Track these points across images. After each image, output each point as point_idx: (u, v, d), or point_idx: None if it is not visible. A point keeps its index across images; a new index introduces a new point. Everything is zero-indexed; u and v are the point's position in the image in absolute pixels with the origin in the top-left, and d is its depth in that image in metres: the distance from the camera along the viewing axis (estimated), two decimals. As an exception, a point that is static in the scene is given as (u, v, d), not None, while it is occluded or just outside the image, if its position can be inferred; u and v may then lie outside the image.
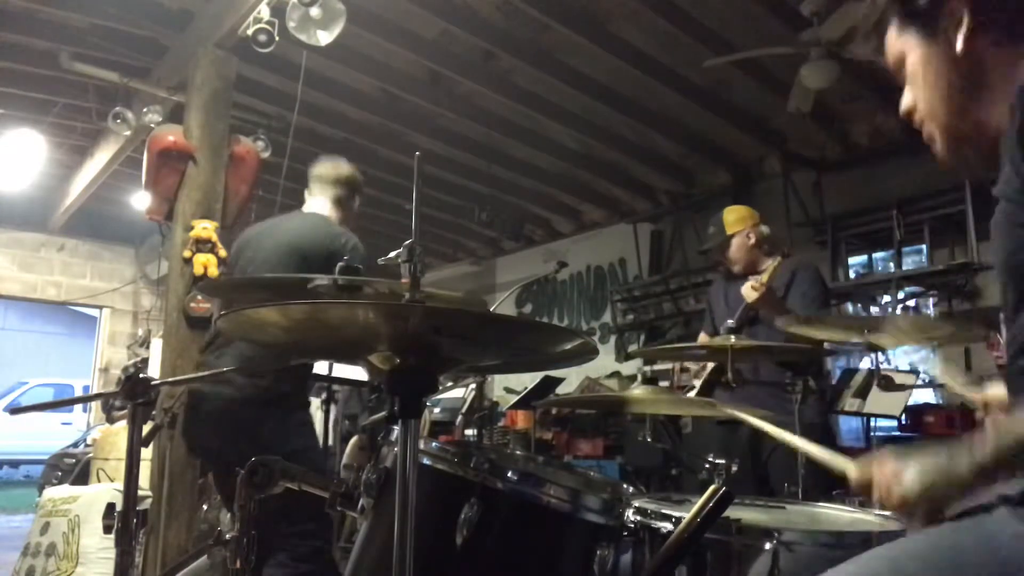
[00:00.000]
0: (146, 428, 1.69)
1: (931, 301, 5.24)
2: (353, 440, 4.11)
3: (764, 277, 2.69)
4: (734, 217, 3.12)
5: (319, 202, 2.62)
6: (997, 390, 1.20)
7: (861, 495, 1.00)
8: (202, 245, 3.98)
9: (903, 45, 1.03)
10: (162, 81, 4.94)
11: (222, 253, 4.00)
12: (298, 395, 2.39)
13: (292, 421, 2.33)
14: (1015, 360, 0.91)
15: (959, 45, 0.94)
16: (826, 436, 3.07)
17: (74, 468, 6.51)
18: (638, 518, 1.31)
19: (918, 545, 0.91)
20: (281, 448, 2.18)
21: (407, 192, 1.26)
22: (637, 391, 1.80)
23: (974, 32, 0.94)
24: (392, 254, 1.17)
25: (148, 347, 7.70)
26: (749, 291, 2.69)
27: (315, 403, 3.66)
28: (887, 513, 1.42)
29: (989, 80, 0.95)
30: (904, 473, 0.91)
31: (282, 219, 2.67)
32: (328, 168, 2.65)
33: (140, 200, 6.00)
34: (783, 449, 2.70)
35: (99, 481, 4.83)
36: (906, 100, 1.05)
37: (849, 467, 1.05)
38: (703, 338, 3.13)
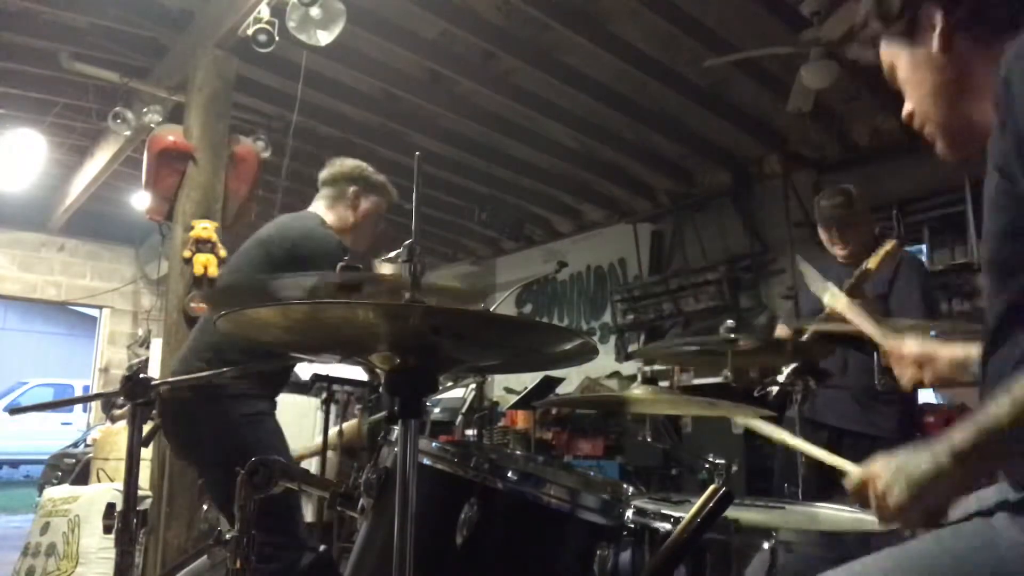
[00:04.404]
0: (146, 428, 1.69)
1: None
2: (352, 422, 4.04)
3: (872, 262, 2.29)
4: (866, 205, 2.76)
5: (315, 204, 2.59)
6: (911, 344, 1.26)
7: (859, 503, 1.00)
8: (202, 245, 3.99)
9: (892, 56, 1.07)
10: (162, 81, 4.94)
11: (222, 253, 4.00)
12: (238, 386, 2.24)
13: (232, 416, 2.21)
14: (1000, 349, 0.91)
15: (935, 45, 0.98)
16: None
17: (74, 468, 6.50)
18: (638, 518, 1.31)
19: (919, 549, 0.91)
20: (225, 442, 2.14)
21: (407, 192, 1.27)
22: (637, 391, 1.80)
23: (953, 32, 0.97)
24: (392, 254, 1.18)
25: (148, 347, 7.70)
26: (832, 300, 2.37)
27: (315, 403, 3.65)
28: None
29: (975, 79, 0.97)
30: (892, 482, 0.91)
31: (282, 217, 2.62)
32: (324, 171, 2.61)
33: (140, 200, 6.01)
34: (861, 457, 2.59)
35: (99, 481, 4.83)
36: (906, 107, 1.09)
37: (849, 471, 1.06)
38: (781, 330, 2.81)
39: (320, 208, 2.56)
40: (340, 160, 2.64)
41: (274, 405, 2.43)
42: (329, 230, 2.45)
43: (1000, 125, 0.84)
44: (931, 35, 0.99)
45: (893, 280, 2.62)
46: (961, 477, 0.86)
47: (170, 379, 2.23)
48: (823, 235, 2.79)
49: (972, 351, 1.21)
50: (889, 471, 0.92)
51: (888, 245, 2.33)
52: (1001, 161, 0.85)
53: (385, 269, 2.25)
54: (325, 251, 2.32)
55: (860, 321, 1.68)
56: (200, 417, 2.21)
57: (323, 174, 2.60)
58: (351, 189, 2.56)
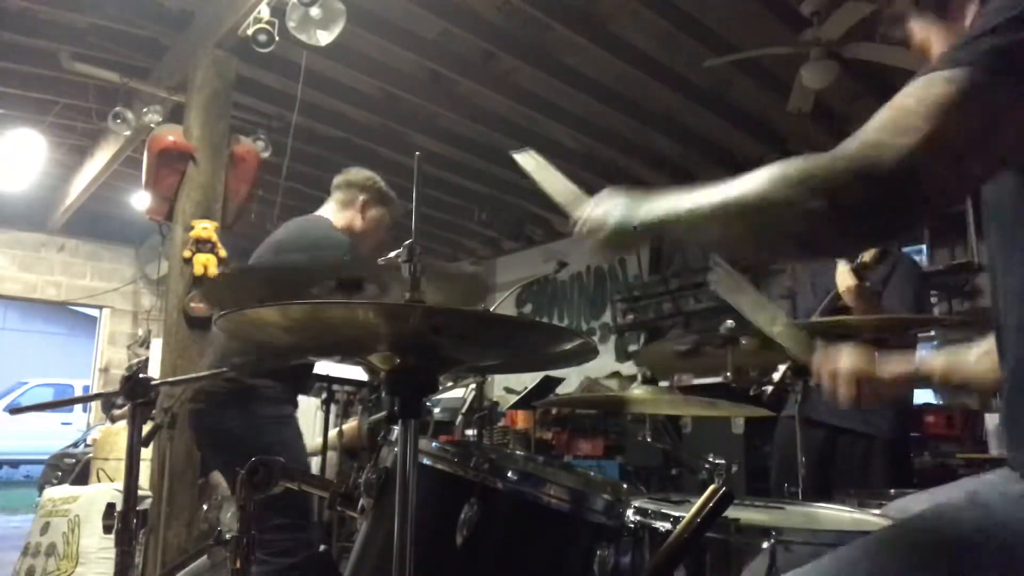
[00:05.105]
0: (146, 428, 1.69)
1: (932, 301, 5.25)
2: (352, 423, 4.05)
3: (867, 255, 2.35)
4: None
5: (327, 207, 2.69)
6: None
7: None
8: (202, 245, 3.99)
9: (924, 32, 1.05)
10: (162, 81, 4.94)
11: (222, 253, 4.00)
12: (268, 389, 2.35)
13: (260, 416, 2.31)
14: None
15: (970, 21, 0.95)
16: (903, 461, 2.78)
17: (74, 468, 6.51)
18: (638, 518, 1.31)
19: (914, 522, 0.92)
20: (247, 444, 2.18)
21: (407, 192, 1.27)
22: (637, 391, 1.80)
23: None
24: (392, 254, 1.18)
25: (148, 347, 7.71)
26: (846, 277, 2.39)
27: (315, 403, 3.65)
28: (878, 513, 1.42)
29: None
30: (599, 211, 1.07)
31: (295, 220, 2.72)
32: (338, 176, 2.73)
33: (140, 200, 6.01)
34: (856, 456, 2.63)
35: (99, 481, 4.83)
36: None
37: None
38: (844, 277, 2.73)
39: (330, 210, 2.65)
40: (356, 169, 2.76)
41: (296, 407, 2.53)
42: (339, 233, 2.54)
43: None
44: (964, 11, 0.97)
45: (887, 279, 2.64)
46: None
47: (170, 379, 2.24)
48: None
49: (924, 358, 1.21)
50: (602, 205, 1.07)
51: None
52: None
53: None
54: (335, 252, 2.41)
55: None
56: (230, 415, 2.30)
57: (337, 179, 2.72)
58: (361, 197, 2.67)
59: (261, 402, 2.32)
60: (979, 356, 1.12)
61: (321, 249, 2.42)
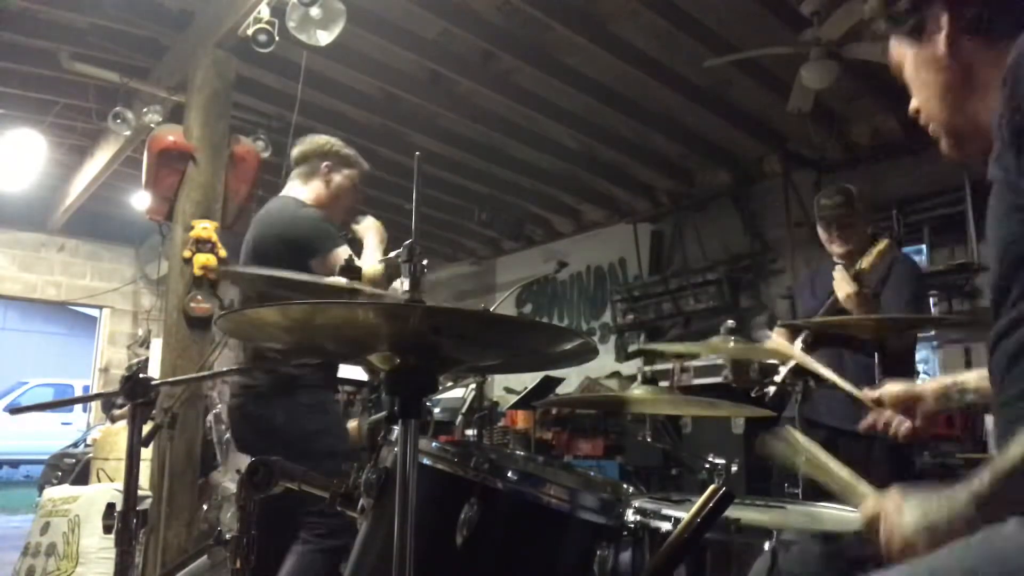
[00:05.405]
0: (146, 428, 1.69)
1: (931, 301, 5.25)
2: (352, 423, 4.06)
3: (865, 262, 2.40)
4: (865, 205, 2.81)
5: (291, 184, 2.60)
6: (891, 388, 1.25)
7: (869, 531, 0.99)
8: (202, 245, 3.99)
9: (899, 54, 1.07)
10: (162, 81, 4.94)
11: (222, 253, 4.00)
12: (308, 377, 2.36)
13: (301, 404, 2.33)
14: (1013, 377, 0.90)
15: (941, 48, 0.99)
16: (903, 461, 2.74)
17: (74, 468, 6.50)
18: (638, 518, 1.31)
19: (931, 566, 0.91)
20: (292, 433, 2.26)
21: (407, 192, 1.27)
22: (637, 391, 1.80)
23: (958, 34, 0.97)
24: (392, 254, 1.18)
25: (148, 347, 7.70)
26: (844, 284, 2.41)
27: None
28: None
29: (980, 79, 0.97)
30: (907, 522, 0.91)
31: (261, 211, 2.64)
32: (295, 149, 2.63)
33: (140, 200, 6.00)
34: (856, 456, 2.64)
35: (99, 481, 4.83)
36: (912, 103, 1.10)
37: (864, 494, 1.06)
38: (778, 334, 2.76)
39: (295, 187, 2.58)
40: (310, 137, 2.66)
41: (336, 392, 2.59)
42: (310, 207, 2.48)
43: (1008, 111, 0.82)
44: (937, 36, 0.99)
45: (885, 279, 2.64)
46: (976, 521, 0.85)
47: (170, 379, 2.24)
48: (822, 233, 2.83)
49: (957, 377, 1.21)
50: (904, 509, 0.92)
51: (881, 244, 2.41)
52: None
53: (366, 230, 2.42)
54: (312, 228, 2.38)
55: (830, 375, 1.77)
56: (272, 406, 2.32)
57: (294, 152, 2.62)
58: (323, 164, 2.58)
59: (302, 391, 2.34)
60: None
61: (291, 232, 2.37)
